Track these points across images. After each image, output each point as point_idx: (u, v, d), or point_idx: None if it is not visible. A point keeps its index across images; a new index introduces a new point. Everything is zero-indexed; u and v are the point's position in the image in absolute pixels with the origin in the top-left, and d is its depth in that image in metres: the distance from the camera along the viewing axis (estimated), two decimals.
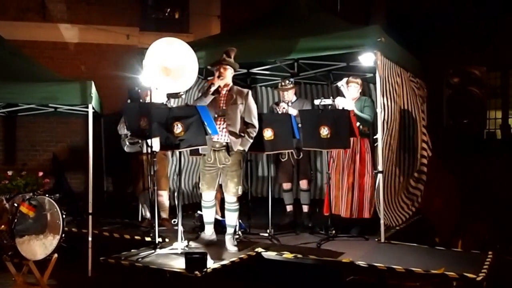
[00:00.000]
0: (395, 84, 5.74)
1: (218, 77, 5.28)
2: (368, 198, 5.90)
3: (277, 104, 6.46)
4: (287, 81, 6.43)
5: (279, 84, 6.49)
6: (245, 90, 5.41)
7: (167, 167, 6.62)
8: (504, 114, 9.35)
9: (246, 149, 5.37)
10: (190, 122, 4.92)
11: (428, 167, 6.86)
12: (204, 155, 5.35)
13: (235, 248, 5.24)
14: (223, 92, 5.35)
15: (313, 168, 7.58)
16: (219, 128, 5.24)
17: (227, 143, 5.26)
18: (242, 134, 5.29)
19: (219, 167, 5.34)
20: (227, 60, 5.31)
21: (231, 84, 5.41)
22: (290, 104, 6.33)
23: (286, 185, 6.57)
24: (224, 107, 5.30)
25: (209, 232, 5.58)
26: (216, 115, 5.26)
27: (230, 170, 5.30)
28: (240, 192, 5.39)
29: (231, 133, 5.24)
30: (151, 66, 5.22)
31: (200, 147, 5.19)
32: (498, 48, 8.57)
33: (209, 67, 5.47)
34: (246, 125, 5.34)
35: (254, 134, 5.34)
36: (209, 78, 5.52)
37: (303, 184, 6.51)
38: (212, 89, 5.23)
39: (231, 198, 5.36)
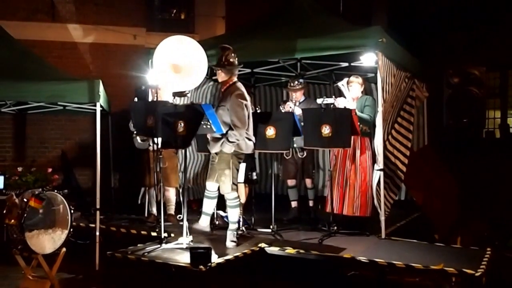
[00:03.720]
0: (389, 84, 5.79)
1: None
2: (369, 195, 5.94)
3: (285, 102, 6.48)
4: (296, 82, 6.49)
5: (288, 84, 6.56)
6: (236, 92, 5.21)
7: (177, 164, 6.66)
8: (503, 114, 9.39)
9: (228, 152, 5.17)
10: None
11: (424, 165, 6.89)
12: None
13: (233, 244, 5.26)
14: (222, 90, 5.34)
15: (316, 167, 7.64)
16: None
17: None
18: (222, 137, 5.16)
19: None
20: (220, 63, 5.25)
21: (229, 82, 5.29)
22: (297, 104, 6.40)
23: (291, 182, 6.68)
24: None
25: (204, 224, 5.52)
26: None
27: (218, 168, 5.29)
28: (230, 190, 5.26)
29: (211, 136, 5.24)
30: (160, 63, 5.26)
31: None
32: (497, 49, 8.58)
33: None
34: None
35: (233, 138, 5.12)
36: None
37: (308, 182, 6.64)
38: None
39: (227, 195, 5.33)
